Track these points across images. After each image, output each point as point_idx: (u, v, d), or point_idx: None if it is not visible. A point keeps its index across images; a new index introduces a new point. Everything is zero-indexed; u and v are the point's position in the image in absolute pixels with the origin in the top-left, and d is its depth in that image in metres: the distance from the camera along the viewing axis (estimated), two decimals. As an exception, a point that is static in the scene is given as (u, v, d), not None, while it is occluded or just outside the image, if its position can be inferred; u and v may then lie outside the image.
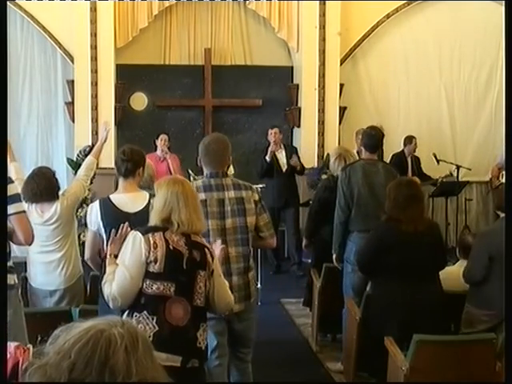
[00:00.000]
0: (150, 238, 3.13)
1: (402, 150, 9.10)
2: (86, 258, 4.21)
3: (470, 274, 4.50)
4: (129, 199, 4.02)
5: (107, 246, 3.79)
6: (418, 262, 4.22)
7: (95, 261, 4.12)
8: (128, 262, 3.15)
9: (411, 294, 4.18)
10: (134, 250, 3.14)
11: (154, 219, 3.22)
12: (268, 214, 4.05)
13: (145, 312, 3.10)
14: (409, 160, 9.13)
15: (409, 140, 9.12)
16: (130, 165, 4.05)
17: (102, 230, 3.97)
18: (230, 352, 4.01)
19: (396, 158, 8.88)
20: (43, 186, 4.61)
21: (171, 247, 3.13)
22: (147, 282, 3.11)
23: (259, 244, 4.14)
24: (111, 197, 4.10)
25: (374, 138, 5.48)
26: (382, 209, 4.73)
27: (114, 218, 3.88)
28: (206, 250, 3.25)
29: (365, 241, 4.64)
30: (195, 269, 3.17)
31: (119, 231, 3.44)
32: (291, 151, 8.49)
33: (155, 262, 3.10)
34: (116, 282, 3.15)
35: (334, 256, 5.34)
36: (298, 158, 8.49)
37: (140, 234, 3.16)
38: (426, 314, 4.18)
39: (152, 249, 3.11)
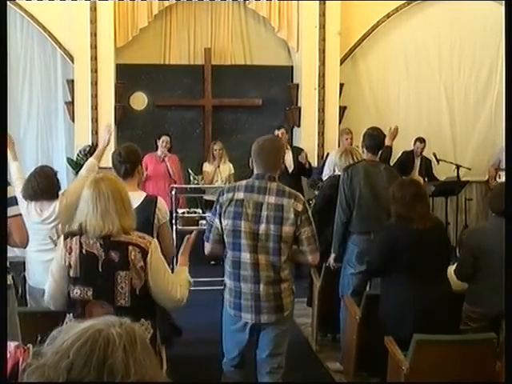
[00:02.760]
0: (68, 243, 3.14)
1: (412, 150, 9.24)
2: None
3: (458, 271, 4.50)
4: None
5: None
6: (430, 259, 4.16)
7: None
8: (53, 267, 3.22)
9: (424, 292, 4.12)
10: (57, 254, 3.20)
11: (75, 223, 3.19)
12: (313, 228, 3.75)
13: (71, 315, 3.15)
14: (417, 160, 9.24)
15: (415, 141, 9.25)
16: (129, 166, 4.11)
17: None
18: (259, 364, 3.94)
19: (405, 155, 9.15)
20: (44, 184, 4.63)
21: (84, 251, 3.10)
22: (70, 286, 3.15)
23: (299, 259, 3.87)
24: None
25: (375, 139, 5.42)
26: (383, 211, 4.69)
27: None
28: (132, 247, 3.09)
29: (377, 243, 4.52)
30: (113, 270, 3.09)
31: None
32: (297, 153, 8.49)
33: (70, 267, 3.12)
34: (46, 286, 3.24)
35: (333, 256, 5.29)
36: (306, 156, 8.53)
37: (62, 238, 3.19)
38: (438, 312, 4.13)
39: (67, 254, 3.13)
